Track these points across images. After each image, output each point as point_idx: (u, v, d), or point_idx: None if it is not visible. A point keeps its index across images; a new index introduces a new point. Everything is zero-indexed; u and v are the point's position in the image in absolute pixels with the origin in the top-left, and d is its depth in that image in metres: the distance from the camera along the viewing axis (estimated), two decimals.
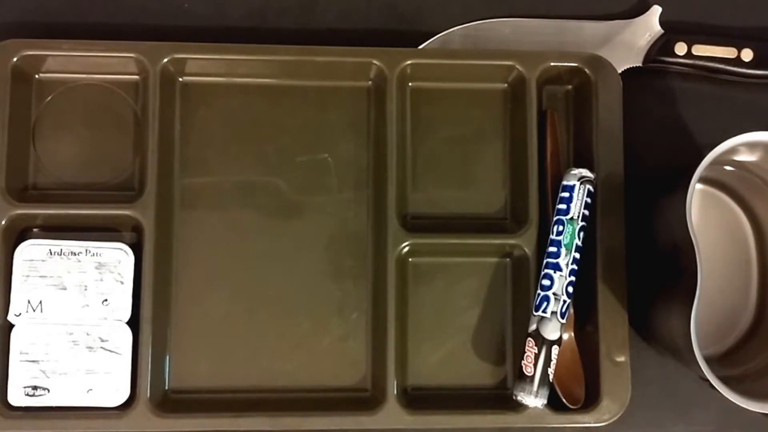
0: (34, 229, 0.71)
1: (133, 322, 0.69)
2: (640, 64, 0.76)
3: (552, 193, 0.71)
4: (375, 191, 0.72)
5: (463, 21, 0.76)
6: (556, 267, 0.68)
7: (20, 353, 0.68)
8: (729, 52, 0.75)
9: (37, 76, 0.72)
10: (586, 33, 0.77)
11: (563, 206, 0.69)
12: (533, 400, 0.67)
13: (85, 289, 0.68)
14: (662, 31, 0.76)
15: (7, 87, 0.69)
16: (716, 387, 0.62)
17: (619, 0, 0.78)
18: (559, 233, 0.69)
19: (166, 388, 0.70)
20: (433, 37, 0.76)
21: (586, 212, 0.69)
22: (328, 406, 0.70)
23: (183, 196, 0.72)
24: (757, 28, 0.78)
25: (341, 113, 0.74)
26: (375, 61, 0.72)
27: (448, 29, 0.76)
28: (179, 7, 0.77)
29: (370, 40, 0.75)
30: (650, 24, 0.76)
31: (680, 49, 0.75)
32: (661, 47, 0.75)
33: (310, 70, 0.73)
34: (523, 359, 0.67)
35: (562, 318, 0.68)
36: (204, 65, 0.72)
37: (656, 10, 0.76)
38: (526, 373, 0.67)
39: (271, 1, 0.77)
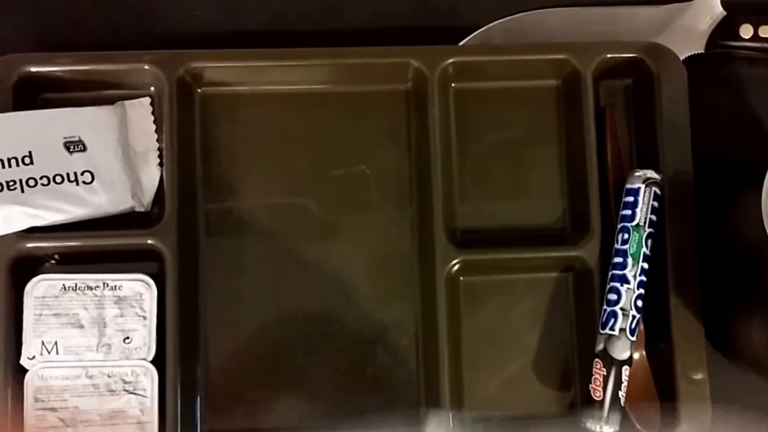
0: (45, 264, 0.68)
1: (159, 361, 0.66)
2: (702, 51, 0.73)
3: (615, 198, 0.69)
4: (419, 205, 0.70)
5: (504, 14, 0.74)
6: (623, 279, 0.66)
7: (35, 400, 0.65)
8: None
9: (41, 95, 0.69)
10: (641, 19, 0.74)
11: (628, 212, 0.67)
12: (604, 426, 0.64)
13: (104, 327, 0.66)
14: (725, 13, 0.73)
15: (9, 106, 0.67)
16: None
17: None
18: (624, 242, 0.66)
19: None
20: (472, 33, 0.73)
21: (653, 217, 0.67)
22: None
23: (207, 219, 0.70)
24: None
25: (378, 120, 0.71)
26: (413, 61, 0.69)
27: (488, 23, 0.73)
28: (191, 15, 0.74)
29: (403, 39, 0.72)
30: (711, 5, 0.73)
31: (746, 31, 0.72)
32: (725, 31, 0.73)
33: (341, 74, 0.70)
34: (590, 383, 0.65)
35: (632, 335, 0.65)
36: (225, 74, 0.69)
37: None
38: (594, 397, 0.65)
39: (291, 5, 0.74)
